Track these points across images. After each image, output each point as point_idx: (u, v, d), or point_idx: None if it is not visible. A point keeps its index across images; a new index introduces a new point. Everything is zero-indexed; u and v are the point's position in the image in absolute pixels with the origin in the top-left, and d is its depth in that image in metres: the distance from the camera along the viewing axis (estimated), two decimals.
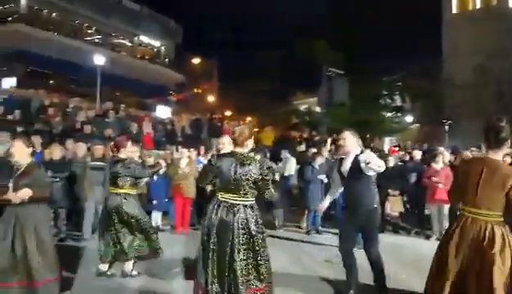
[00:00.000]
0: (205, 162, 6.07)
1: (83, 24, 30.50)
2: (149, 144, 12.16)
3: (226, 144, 5.44)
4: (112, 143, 5.04)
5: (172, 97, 36.58)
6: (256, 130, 18.01)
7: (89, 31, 31.18)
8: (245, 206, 3.35)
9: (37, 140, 8.20)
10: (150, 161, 7.32)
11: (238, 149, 3.50)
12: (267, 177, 3.38)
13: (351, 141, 4.24)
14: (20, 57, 25.27)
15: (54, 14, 28.81)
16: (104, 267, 4.78)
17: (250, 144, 3.54)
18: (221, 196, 3.41)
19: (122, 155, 4.85)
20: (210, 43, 40.41)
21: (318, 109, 20.81)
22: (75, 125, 11.87)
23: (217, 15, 40.90)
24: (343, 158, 4.38)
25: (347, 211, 4.36)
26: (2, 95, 12.82)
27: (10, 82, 19.27)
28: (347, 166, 4.25)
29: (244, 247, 3.26)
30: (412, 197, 8.32)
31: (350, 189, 4.27)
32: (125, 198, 4.69)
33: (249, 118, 33.22)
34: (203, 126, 15.73)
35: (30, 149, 4.01)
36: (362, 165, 4.00)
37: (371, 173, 4.06)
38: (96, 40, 31.23)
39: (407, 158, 9.76)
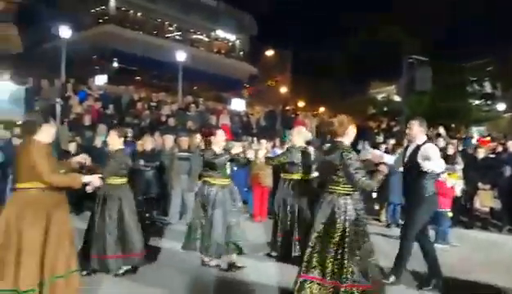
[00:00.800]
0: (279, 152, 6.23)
1: (165, 22, 32.31)
2: (227, 135, 12.66)
3: (294, 135, 5.55)
4: (203, 134, 5.17)
5: (247, 90, 37.42)
6: (331, 120, 17.77)
7: (170, 28, 32.96)
8: (346, 194, 3.55)
9: (128, 132, 9.06)
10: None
11: (339, 139, 3.65)
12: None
13: (416, 130, 4.20)
14: (111, 55, 27.62)
15: (139, 14, 30.91)
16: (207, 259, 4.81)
17: (352, 133, 3.68)
18: (330, 188, 3.61)
19: (214, 146, 4.93)
20: (284, 34, 40.40)
21: (397, 98, 19.92)
22: (160, 118, 12.73)
23: (292, 6, 40.66)
24: (408, 146, 4.41)
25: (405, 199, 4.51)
26: (98, 90, 14.13)
27: (102, 79, 21.13)
28: (407, 153, 4.27)
29: (349, 238, 3.44)
30: (504, 191, 7.70)
31: (406, 177, 4.34)
32: (222, 187, 4.79)
33: (322, 109, 32.81)
34: (277, 118, 15.95)
35: (122, 139, 4.63)
36: (419, 159, 3.91)
37: (427, 169, 3.98)
38: (177, 37, 32.94)
39: (500, 149, 9.02)
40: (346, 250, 3.40)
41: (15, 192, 3.26)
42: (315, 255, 3.48)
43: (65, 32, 19.13)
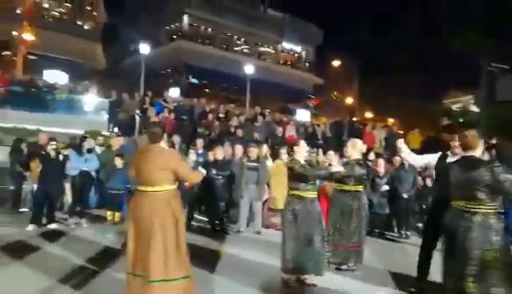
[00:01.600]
0: None
1: (233, 36, 33.49)
2: None
3: (349, 147, 5.51)
4: (288, 144, 5.20)
5: (312, 100, 37.34)
6: (401, 132, 17.16)
7: (238, 42, 34.08)
8: (484, 213, 3.34)
9: (200, 142, 9.55)
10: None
11: (472, 153, 3.53)
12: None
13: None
14: (184, 69, 29.24)
15: (209, 29, 32.38)
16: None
17: (481, 147, 3.55)
18: (455, 203, 3.49)
19: (297, 156, 4.83)
20: (351, 44, 39.80)
21: (475, 108, 18.68)
22: (229, 129, 13.20)
23: (360, 15, 39.97)
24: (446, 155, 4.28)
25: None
26: (173, 103, 15.02)
27: (176, 92, 22.45)
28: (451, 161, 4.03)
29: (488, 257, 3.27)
30: None
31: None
32: (312, 201, 4.71)
33: (391, 120, 31.69)
34: (343, 129, 15.72)
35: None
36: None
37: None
38: (245, 50, 33.96)
39: None
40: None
41: (143, 194, 3.54)
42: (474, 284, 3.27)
43: (144, 48, 20.60)
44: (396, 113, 32.13)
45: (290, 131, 14.27)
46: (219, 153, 8.01)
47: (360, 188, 5.41)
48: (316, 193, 4.86)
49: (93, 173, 7.46)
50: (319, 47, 37.25)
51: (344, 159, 5.58)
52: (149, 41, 22.58)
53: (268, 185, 7.92)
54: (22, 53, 23.77)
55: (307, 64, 37.39)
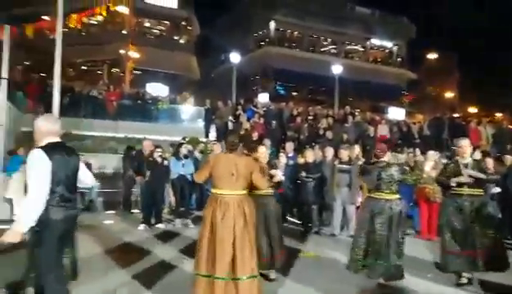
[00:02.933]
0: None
1: (320, 37, 33.21)
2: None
3: (463, 147, 4.94)
4: (378, 147, 5.03)
5: (406, 97, 35.31)
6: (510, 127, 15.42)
7: (325, 43, 33.69)
8: None
9: (290, 145, 9.66)
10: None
11: None
12: None
13: None
14: (272, 74, 29.84)
15: (295, 33, 32.55)
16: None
17: None
18: None
19: (386, 159, 4.80)
20: (448, 35, 36.82)
21: None
22: (318, 131, 13.15)
23: (456, 3, 36.80)
24: None
25: None
26: (263, 108, 15.46)
27: (265, 97, 23.04)
28: None
29: None
30: None
31: None
32: (396, 204, 4.64)
33: (499, 115, 28.58)
34: (443, 126, 14.62)
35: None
36: None
37: None
38: (332, 50, 33.46)
39: None
40: None
41: (219, 197, 3.79)
42: None
43: (234, 57, 21.51)
44: (504, 106, 28.93)
45: (383, 131, 13.73)
46: (309, 155, 8.04)
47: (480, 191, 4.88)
48: (397, 195, 4.69)
49: (189, 177, 7.99)
50: (412, 41, 35.11)
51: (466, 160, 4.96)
52: (238, 49, 23.52)
53: (361, 188, 7.73)
54: (129, 69, 26.44)
55: (399, 59, 35.48)
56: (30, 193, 2.83)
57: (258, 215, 4.51)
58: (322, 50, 33.40)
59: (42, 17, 21.31)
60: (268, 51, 30.64)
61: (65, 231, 3.01)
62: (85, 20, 23.91)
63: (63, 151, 3.04)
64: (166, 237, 6.95)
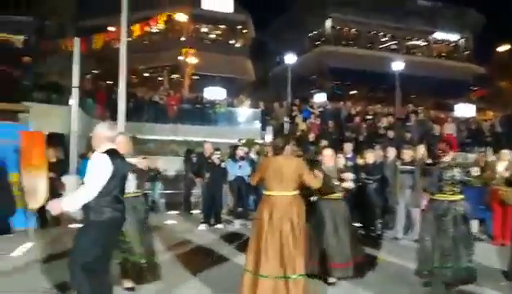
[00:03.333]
0: None
1: (379, 33, 32.10)
2: (454, 146, 11.53)
3: None
4: (440, 146, 4.78)
5: (474, 93, 33.00)
6: None
7: (384, 39, 32.50)
8: None
9: (348, 146, 9.39)
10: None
11: None
12: None
13: None
14: (328, 74, 29.35)
15: (353, 30, 31.75)
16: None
17: None
18: None
19: (447, 159, 4.57)
20: None
21: None
22: (378, 131, 12.68)
23: None
24: None
25: None
26: (319, 108, 15.24)
27: (322, 97, 22.71)
28: None
29: None
30: None
31: None
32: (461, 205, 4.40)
33: None
34: None
35: (335, 156, 5.11)
36: None
37: None
38: (392, 46, 32.19)
39: None
40: None
41: (271, 198, 3.87)
42: None
43: (289, 58, 21.47)
44: None
45: (449, 130, 12.95)
46: (369, 156, 7.76)
47: None
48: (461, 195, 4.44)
49: (246, 178, 8.07)
50: (480, 33, 32.74)
51: None
52: (294, 50, 23.43)
53: (425, 190, 7.30)
54: (188, 74, 27.39)
55: (467, 53, 33.25)
56: (85, 188, 3.06)
57: (327, 219, 4.63)
58: (381, 46, 32.26)
59: (109, 28, 22.77)
60: (324, 49, 30.19)
61: (112, 230, 3.22)
62: (147, 29, 25.24)
63: (119, 158, 3.26)
64: (225, 236, 7.07)
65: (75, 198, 3.09)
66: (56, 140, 9.37)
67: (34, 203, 6.70)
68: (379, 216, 7.57)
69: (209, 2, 28.79)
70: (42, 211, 7.42)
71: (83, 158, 9.53)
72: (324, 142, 10.10)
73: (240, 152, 8.34)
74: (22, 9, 21.48)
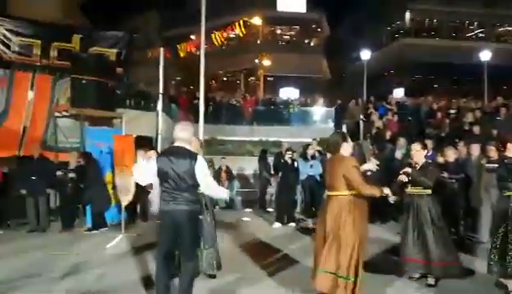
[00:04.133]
0: None
1: (464, 22, 29.75)
2: None
3: None
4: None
5: None
6: None
7: (471, 28, 30.02)
8: None
9: (428, 143, 8.95)
10: None
11: None
12: None
13: None
14: (408, 67, 27.92)
15: (434, 20, 29.81)
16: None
17: None
18: None
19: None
20: None
21: None
22: (462, 126, 11.86)
23: None
24: None
25: None
26: (396, 104, 14.64)
27: (400, 93, 21.75)
28: None
29: None
30: None
31: None
32: None
33: None
34: None
35: (425, 151, 4.80)
36: None
37: None
38: (480, 35, 29.62)
39: None
40: None
41: (328, 198, 3.94)
42: None
43: (365, 54, 20.92)
44: None
45: None
46: (450, 154, 7.35)
47: None
48: None
49: (318, 177, 8.14)
50: None
51: None
52: (370, 45, 22.73)
53: None
54: (262, 77, 28.00)
55: None
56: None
57: (412, 217, 4.58)
58: (467, 35, 29.81)
59: (191, 37, 24.20)
60: (403, 43, 28.77)
61: (171, 222, 3.49)
62: (225, 35, 26.33)
63: (172, 155, 3.52)
64: (297, 235, 7.23)
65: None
66: (146, 143, 10.30)
67: (126, 200, 7.48)
68: (461, 218, 7.14)
69: (284, 4, 29.09)
70: (132, 207, 8.29)
71: None
72: (402, 140, 9.75)
73: (311, 151, 8.42)
74: (115, 25, 23.80)
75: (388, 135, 11.37)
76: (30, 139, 9.18)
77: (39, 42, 11.24)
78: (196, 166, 3.50)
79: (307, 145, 9.03)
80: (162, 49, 12.15)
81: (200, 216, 3.88)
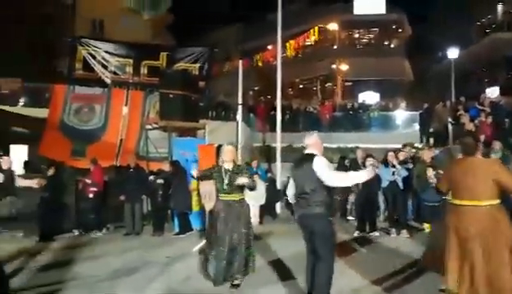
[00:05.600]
0: None
1: None
2: None
3: None
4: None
5: None
6: None
7: None
8: None
9: None
10: None
11: None
12: None
13: None
14: (502, 63, 25.42)
15: None
16: None
17: None
18: None
19: None
20: None
21: None
22: None
23: None
24: None
25: None
26: (490, 104, 13.34)
27: (494, 91, 19.86)
28: None
29: None
30: None
31: None
32: None
33: None
34: None
35: None
36: None
37: None
38: None
39: None
40: None
41: (465, 209, 3.44)
42: None
43: (452, 52, 19.58)
44: None
45: None
46: None
47: None
48: None
49: (401, 185, 7.75)
50: None
51: None
52: (457, 43, 21.18)
53: None
54: (340, 82, 27.53)
55: None
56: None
57: None
58: None
59: (268, 47, 24.78)
60: (496, 37, 26.25)
61: (303, 226, 3.80)
62: (301, 43, 26.51)
63: (299, 162, 3.93)
64: (378, 245, 6.96)
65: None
66: None
67: (209, 206, 7.85)
68: None
69: (361, 7, 28.37)
70: None
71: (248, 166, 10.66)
72: (497, 143, 8.94)
73: (391, 157, 8.05)
74: (197, 40, 25.28)
75: (481, 138, 10.46)
76: (125, 150, 10.12)
77: (131, 61, 12.46)
78: (314, 166, 3.70)
79: (388, 151, 8.64)
80: (241, 61, 12.62)
81: (330, 218, 3.94)
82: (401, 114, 17.81)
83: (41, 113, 11.55)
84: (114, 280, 4.94)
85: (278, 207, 10.91)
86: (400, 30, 30.06)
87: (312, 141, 3.99)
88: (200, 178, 5.30)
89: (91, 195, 8.28)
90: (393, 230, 7.75)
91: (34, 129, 11.18)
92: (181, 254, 6.40)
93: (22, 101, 14.87)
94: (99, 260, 6.01)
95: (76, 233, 8.17)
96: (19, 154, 11.27)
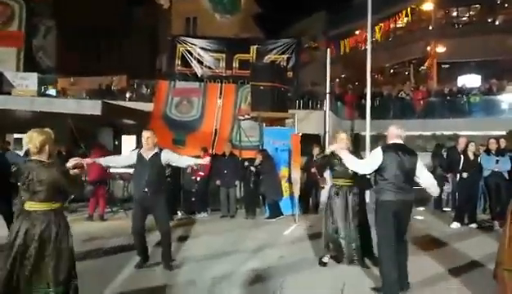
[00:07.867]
0: None
1: None
2: None
3: None
4: None
5: None
6: None
7: None
8: None
9: None
10: None
11: None
12: None
13: None
14: None
15: None
16: None
17: None
18: None
19: None
20: None
21: None
22: None
23: None
24: None
25: None
26: None
27: None
28: None
29: None
30: None
31: None
32: None
33: None
34: None
35: None
36: None
37: None
38: None
39: None
40: None
41: None
42: None
43: None
44: None
45: None
46: None
47: None
48: None
49: (505, 174, 7.21)
50: None
51: None
52: None
53: None
54: (435, 65, 25.60)
55: None
56: (360, 163, 4.26)
57: None
58: None
59: (355, 32, 24.08)
60: None
61: (395, 211, 3.88)
62: (392, 26, 25.24)
63: (399, 151, 3.97)
64: (474, 237, 6.62)
65: (354, 162, 4.24)
66: (316, 140, 10.96)
67: (297, 191, 8.18)
68: None
69: None
70: (305, 200, 8.97)
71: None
72: None
73: (494, 144, 7.48)
74: (284, 30, 25.52)
75: None
76: (220, 139, 10.84)
77: (224, 55, 13.20)
78: (418, 163, 4.01)
79: (490, 138, 8.03)
80: (328, 49, 12.57)
81: None
82: (507, 98, 16.14)
83: (146, 106, 12.80)
84: (212, 259, 5.38)
85: (367, 194, 10.76)
86: (506, 5, 26.90)
87: (402, 133, 4.17)
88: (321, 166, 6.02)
89: (198, 179, 8.96)
90: (496, 223, 7.26)
91: (141, 121, 12.44)
92: (273, 237, 6.80)
93: (128, 96, 16.49)
94: (202, 239, 6.66)
95: (179, 215, 8.93)
96: (128, 144, 12.62)
